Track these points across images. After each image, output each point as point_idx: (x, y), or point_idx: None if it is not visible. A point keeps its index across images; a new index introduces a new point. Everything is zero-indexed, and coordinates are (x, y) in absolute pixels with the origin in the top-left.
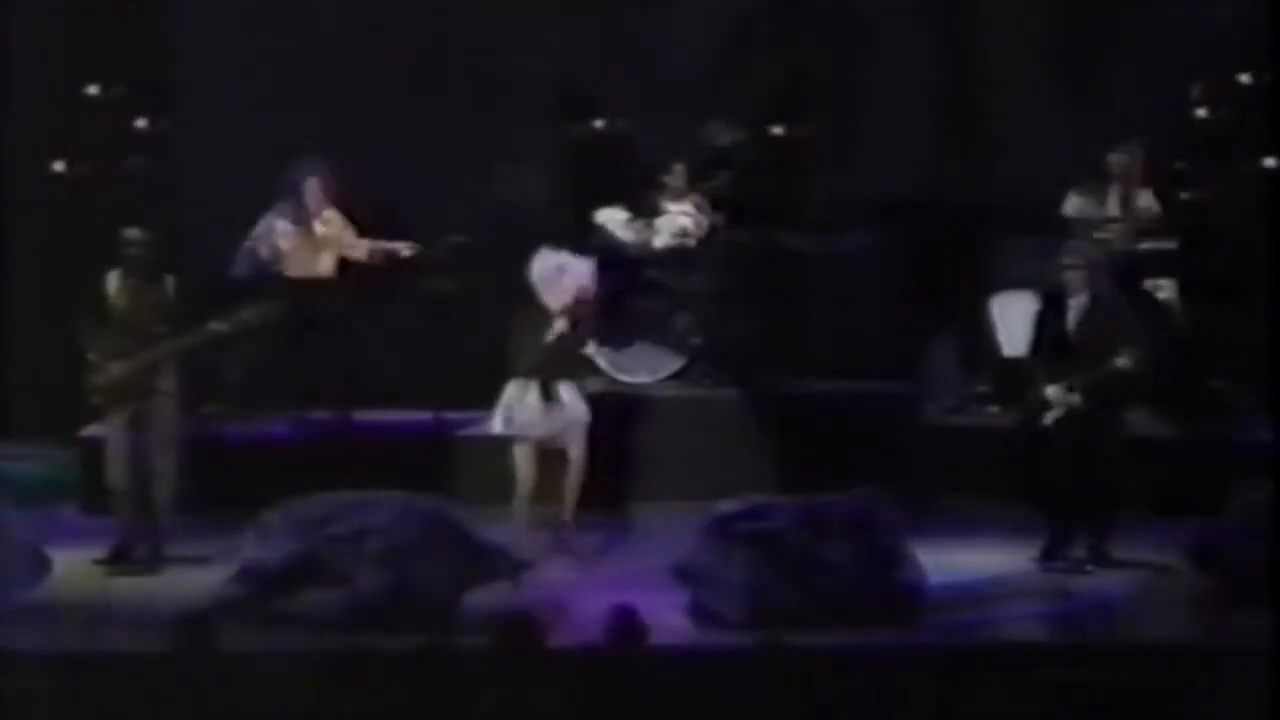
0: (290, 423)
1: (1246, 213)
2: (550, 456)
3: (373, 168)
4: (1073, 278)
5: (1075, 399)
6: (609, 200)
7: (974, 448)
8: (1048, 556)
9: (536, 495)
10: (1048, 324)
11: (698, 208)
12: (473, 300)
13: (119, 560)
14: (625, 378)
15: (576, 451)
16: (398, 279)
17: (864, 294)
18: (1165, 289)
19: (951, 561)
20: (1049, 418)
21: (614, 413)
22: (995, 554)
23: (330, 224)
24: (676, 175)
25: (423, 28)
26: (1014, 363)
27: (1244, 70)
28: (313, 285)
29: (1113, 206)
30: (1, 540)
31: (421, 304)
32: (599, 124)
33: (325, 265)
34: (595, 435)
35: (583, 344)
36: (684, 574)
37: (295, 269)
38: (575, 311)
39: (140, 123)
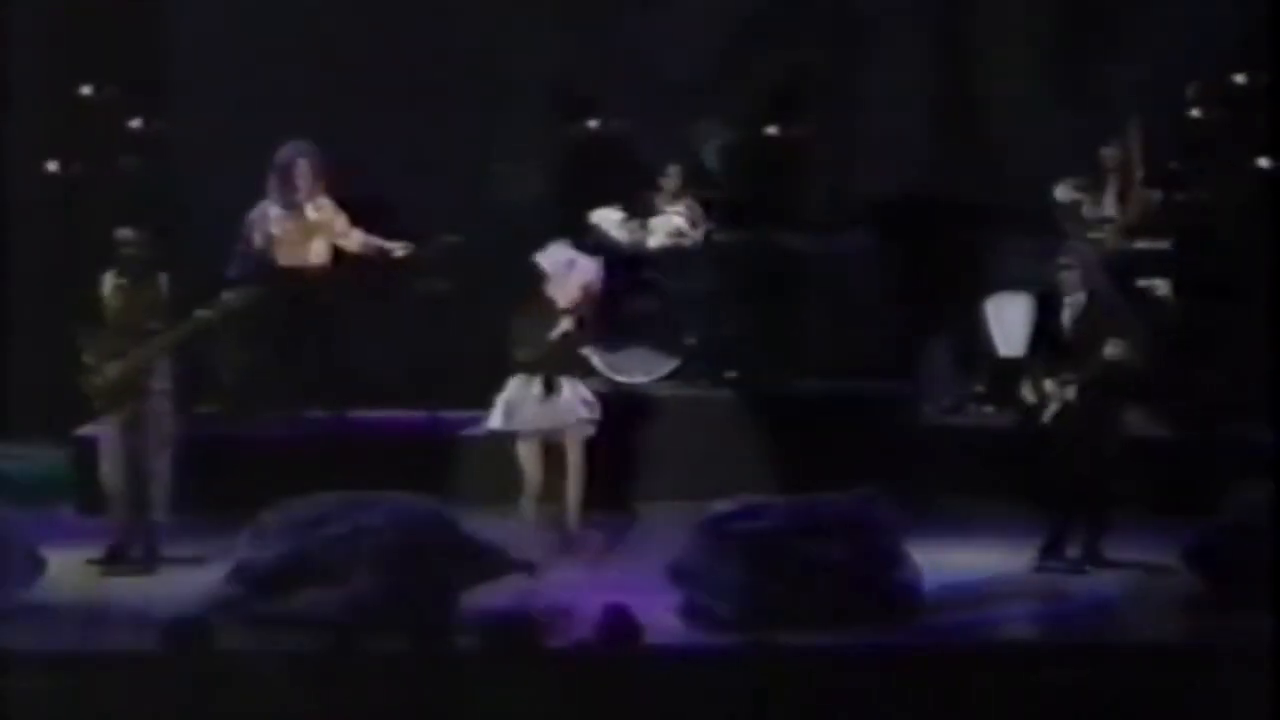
0: (286, 422)
1: (1242, 212)
2: (554, 453)
3: (367, 167)
4: (1067, 278)
5: (1070, 394)
6: (605, 200)
7: (970, 448)
8: (1046, 556)
9: (543, 493)
10: (1044, 324)
11: (691, 210)
12: (469, 299)
13: (114, 560)
14: (620, 378)
15: (578, 449)
16: (393, 278)
17: (860, 294)
18: (1160, 288)
19: (948, 561)
20: (1047, 415)
21: (609, 413)
22: (992, 554)
23: (323, 210)
24: (671, 177)
25: (419, 28)
26: (1010, 363)
27: (1238, 70)
28: (305, 274)
29: (1108, 205)
30: None
31: (417, 303)
32: (595, 124)
33: (318, 253)
34: (592, 435)
35: (586, 342)
36: (679, 574)
37: (287, 255)
38: (581, 309)
39: (135, 123)
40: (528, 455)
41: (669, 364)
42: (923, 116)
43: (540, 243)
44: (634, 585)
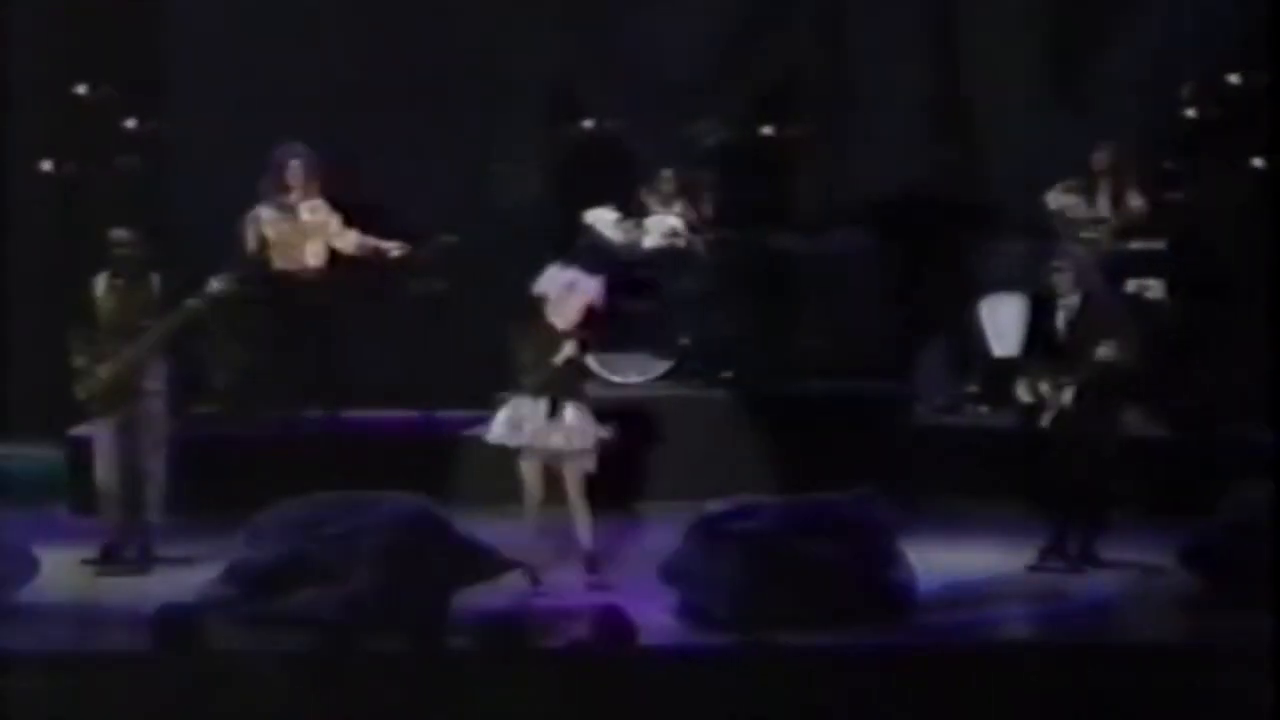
0: (282, 423)
1: (1237, 212)
2: (554, 472)
3: (364, 168)
4: (1061, 280)
5: (1067, 396)
6: (600, 200)
7: (965, 447)
8: (1044, 556)
9: (544, 503)
10: (1039, 326)
11: (686, 210)
12: (464, 300)
13: (108, 560)
14: (615, 378)
15: (577, 484)
16: (389, 278)
17: (855, 294)
18: (1155, 289)
19: (943, 561)
20: (1044, 417)
21: (605, 413)
22: (987, 554)
23: (317, 211)
24: (665, 180)
25: (416, 29)
26: (1004, 362)
27: (1234, 70)
28: (301, 276)
29: (1102, 206)
30: None
31: (413, 304)
32: (591, 124)
33: (314, 254)
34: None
35: (590, 368)
36: (672, 574)
37: (282, 257)
38: (584, 332)
39: (132, 123)
40: (529, 471)
41: (664, 364)
42: (918, 118)
43: (539, 243)
44: (629, 586)
